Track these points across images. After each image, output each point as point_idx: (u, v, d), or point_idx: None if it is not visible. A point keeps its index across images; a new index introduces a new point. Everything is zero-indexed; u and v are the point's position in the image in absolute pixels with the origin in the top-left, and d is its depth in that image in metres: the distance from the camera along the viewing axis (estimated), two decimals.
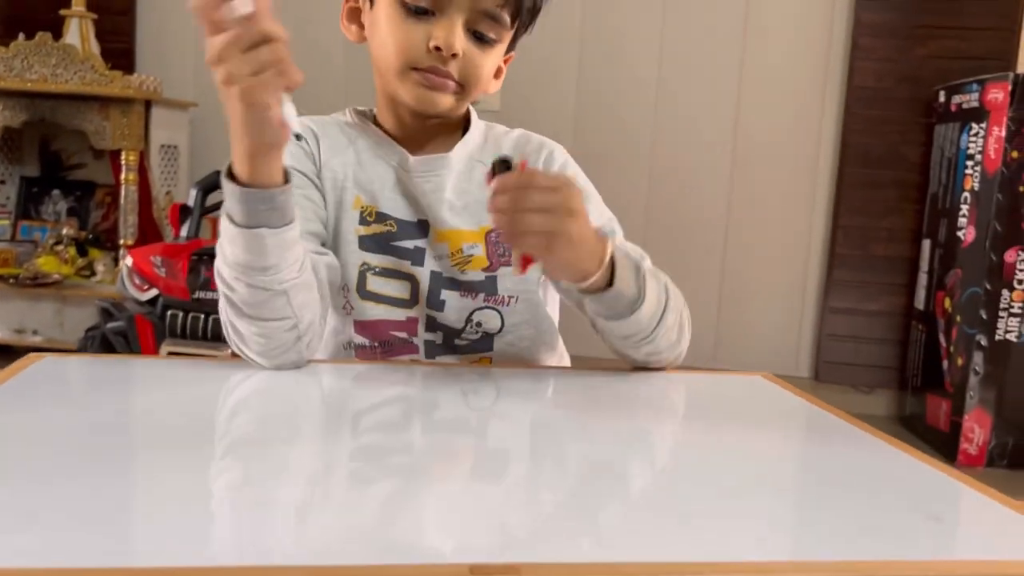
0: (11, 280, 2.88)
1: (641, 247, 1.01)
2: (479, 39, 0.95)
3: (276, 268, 0.84)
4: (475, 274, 1.02)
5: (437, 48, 0.92)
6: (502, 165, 0.81)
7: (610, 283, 0.89)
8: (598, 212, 1.05)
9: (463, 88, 0.97)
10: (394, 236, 1.01)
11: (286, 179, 0.83)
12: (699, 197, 3.24)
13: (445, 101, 0.96)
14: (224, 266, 0.85)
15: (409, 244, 1.02)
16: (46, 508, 0.53)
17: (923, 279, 3.04)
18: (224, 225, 0.83)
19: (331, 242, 1.02)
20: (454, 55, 0.93)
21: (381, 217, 1.02)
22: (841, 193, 3.20)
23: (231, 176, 0.82)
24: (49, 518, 0.52)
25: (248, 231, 0.81)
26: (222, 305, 0.88)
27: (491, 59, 0.98)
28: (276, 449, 0.69)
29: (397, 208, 1.02)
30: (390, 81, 0.97)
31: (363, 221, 1.01)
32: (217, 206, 2.47)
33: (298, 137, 0.80)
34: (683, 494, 0.65)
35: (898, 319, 3.20)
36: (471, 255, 1.02)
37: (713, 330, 3.22)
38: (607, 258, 0.88)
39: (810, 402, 0.92)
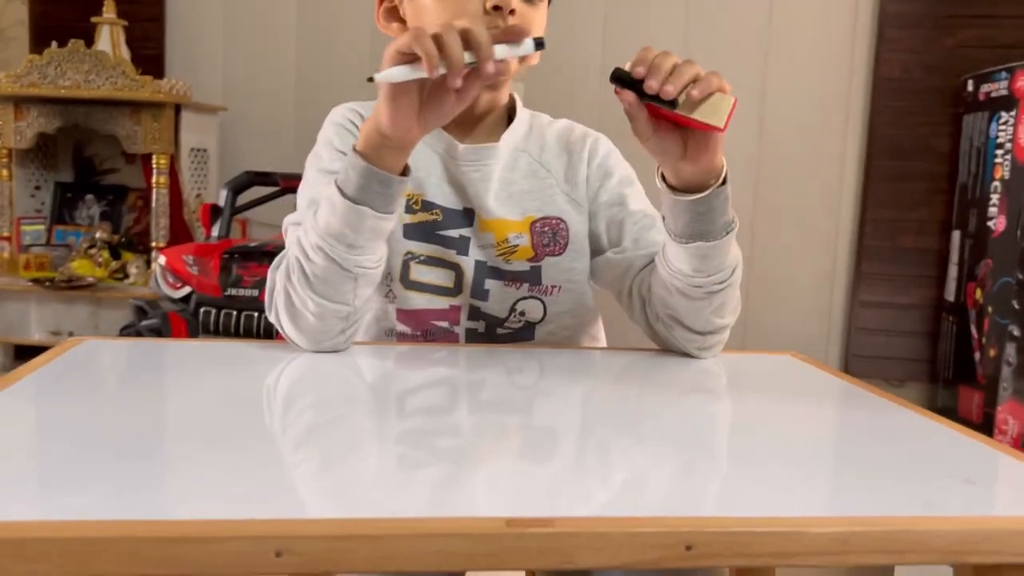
0: (47, 283, 2.93)
1: None
2: None
3: (361, 250, 0.86)
4: (520, 264, 1.03)
5: (496, 8, 0.93)
6: (619, 81, 0.81)
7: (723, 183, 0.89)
8: (641, 200, 1.06)
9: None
10: (439, 225, 1.02)
11: (404, 174, 0.86)
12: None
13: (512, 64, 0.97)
14: (312, 233, 0.87)
15: (454, 233, 1.02)
16: (95, 471, 0.55)
17: (953, 270, 3.01)
18: (331, 195, 0.85)
19: None
20: (512, 11, 0.93)
21: (427, 206, 1.02)
22: (869, 185, 3.18)
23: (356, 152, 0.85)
24: (97, 481, 0.54)
25: (354, 206, 0.84)
26: (286, 274, 0.89)
27: (541, 15, 0.99)
28: (322, 420, 0.71)
29: (443, 196, 1.03)
30: None
31: (409, 210, 1.02)
32: (246, 206, 2.51)
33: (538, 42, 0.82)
34: (720, 457, 0.66)
35: (929, 311, 3.17)
36: (517, 245, 1.02)
37: (741, 324, 3.20)
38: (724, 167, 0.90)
39: (840, 377, 0.92)
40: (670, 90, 0.79)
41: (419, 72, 0.76)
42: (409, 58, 0.77)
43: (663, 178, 0.90)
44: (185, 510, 0.50)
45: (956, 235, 2.99)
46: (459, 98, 0.80)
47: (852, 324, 3.24)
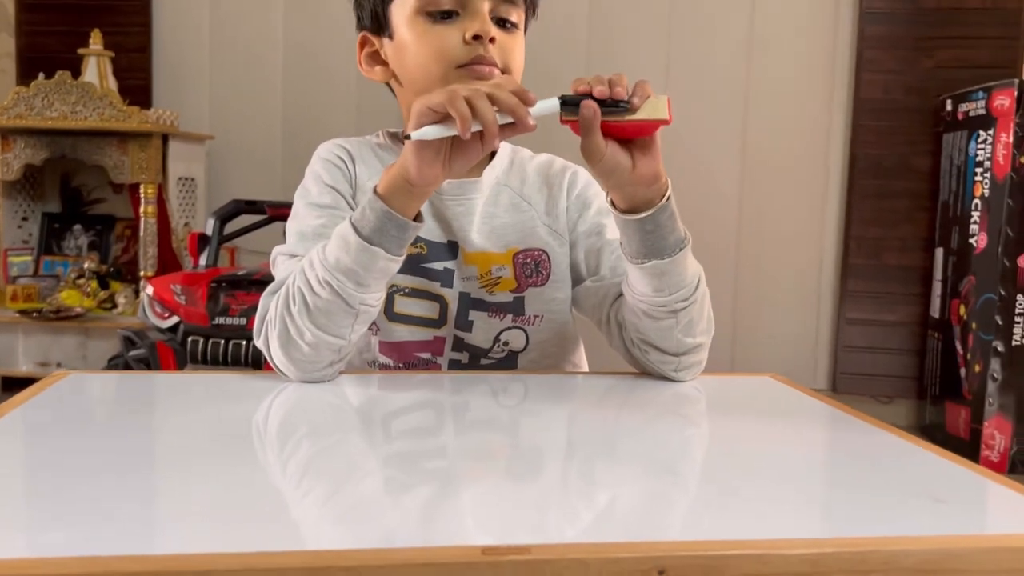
0: (35, 314, 2.93)
1: None
2: (503, 25, 0.99)
3: (368, 288, 0.88)
4: (503, 295, 1.04)
5: (475, 37, 0.95)
6: (567, 105, 0.84)
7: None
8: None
9: (506, 72, 0.99)
10: (424, 258, 1.03)
11: (417, 219, 0.89)
12: (709, 213, 3.26)
13: None
14: (320, 267, 0.88)
15: (439, 266, 1.03)
16: (75, 506, 0.56)
17: (937, 287, 3.04)
18: (345, 233, 0.87)
19: None
20: (492, 39, 0.96)
21: (415, 240, 1.04)
22: (852, 204, 3.21)
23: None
24: (77, 516, 0.54)
25: (368, 246, 0.86)
26: (285, 303, 0.90)
27: (519, 42, 1.01)
28: (308, 450, 0.72)
29: (428, 230, 1.03)
30: (433, 83, 0.97)
31: None
32: (234, 235, 2.51)
33: (561, 99, 0.84)
34: (693, 480, 0.67)
35: (914, 328, 3.20)
36: (500, 276, 1.04)
37: (728, 344, 3.23)
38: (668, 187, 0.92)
39: (818, 399, 0.93)
40: (620, 91, 0.83)
41: (452, 131, 0.81)
42: (440, 116, 0.81)
43: (612, 204, 0.92)
44: (170, 544, 0.51)
45: (939, 252, 3.03)
46: (486, 146, 0.84)
47: (839, 342, 3.27)
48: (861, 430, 0.82)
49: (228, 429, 0.78)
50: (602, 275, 1.06)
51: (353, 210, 1.03)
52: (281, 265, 0.99)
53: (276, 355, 0.91)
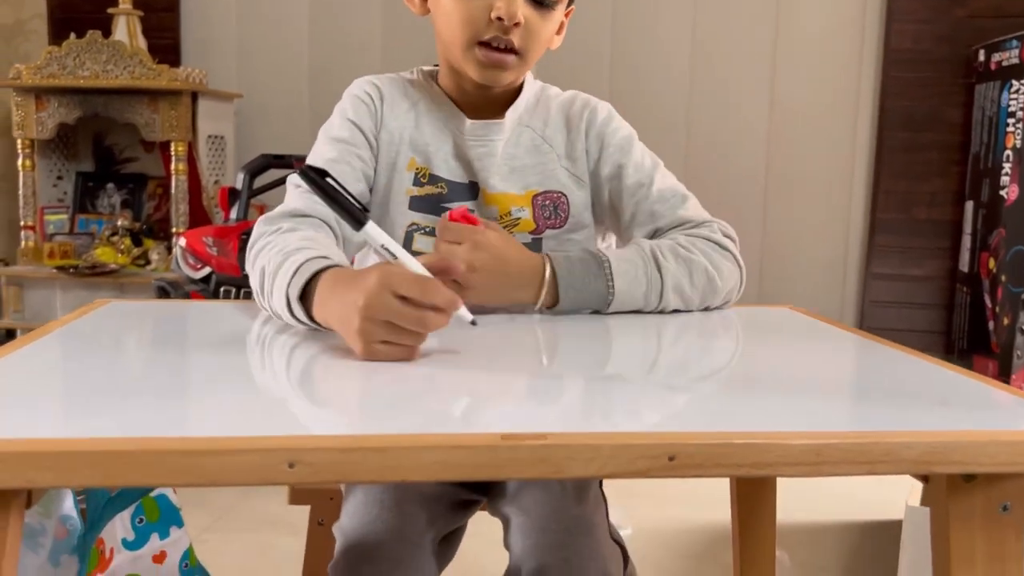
0: (71, 270, 3.00)
1: None
2: (539, 3, 0.98)
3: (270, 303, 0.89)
4: (522, 236, 1.06)
5: (499, 18, 0.96)
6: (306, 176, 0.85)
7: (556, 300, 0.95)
8: (639, 170, 1.07)
9: (523, 56, 1.00)
10: (444, 198, 1.06)
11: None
12: (736, 167, 3.25)
13: (507, 76, 1.01)
14: (258, 282, 0.90)
15: (458, 206, 1.06)
16: (120, 401, 0.59)
17: (967, 241, 3.01)
18: (279, 294, 0.84)
19: (379, 201, 1.07)
20: (516, 24, 0.96)
21: (433, 179, 1.06)
22: (881, 158, 3.18)
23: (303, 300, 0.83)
24: (122, 408, 0.58)
25: (290, 320, 0.85)
26: (252, 257, 0.94)
27: (551, 23, 1.01)
28: (330, 352, 0.75)
29: (449, 170, 1.06)
30: (454, 54, 1.01)
31: (416, 182, 1.06)
32: (264, 188, 2.55)
33: (473, 323, 0.82)
34: (706, 382, 0.70)
35: (942, 283, 3.18)
36: (519, 218, 1.06)
37: (754, 299, 3.23)
38: (544, 280, 0.94)
39: (835, 325, 0.95)
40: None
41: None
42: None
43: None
44: (204, 428, 0.54)
45: (969, 205, 3.00)
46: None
47: (866, 298, 3.25)
48: (876, 349, 0.84)
49: (256, 340, 0.82)
50: (623, 223, 1.07)
51: (373, 149, 1.06)
52: (290, 195, 1.02)
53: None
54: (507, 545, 0.92)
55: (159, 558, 0.82)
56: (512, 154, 1.07)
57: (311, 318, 0.81)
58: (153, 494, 0.84)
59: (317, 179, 0.84)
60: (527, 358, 0.80)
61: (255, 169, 2.43)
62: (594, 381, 0.70)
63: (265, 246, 0.92)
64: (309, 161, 1.05)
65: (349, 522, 0.93)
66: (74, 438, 0.51)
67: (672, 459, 0.53)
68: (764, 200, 3.26)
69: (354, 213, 0.84)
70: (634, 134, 1.10)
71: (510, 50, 0.98)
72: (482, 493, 1.02)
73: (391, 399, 0.64)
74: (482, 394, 0.66)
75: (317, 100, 3.33)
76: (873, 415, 0.62)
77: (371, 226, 0.84)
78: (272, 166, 2.47)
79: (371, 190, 1.07)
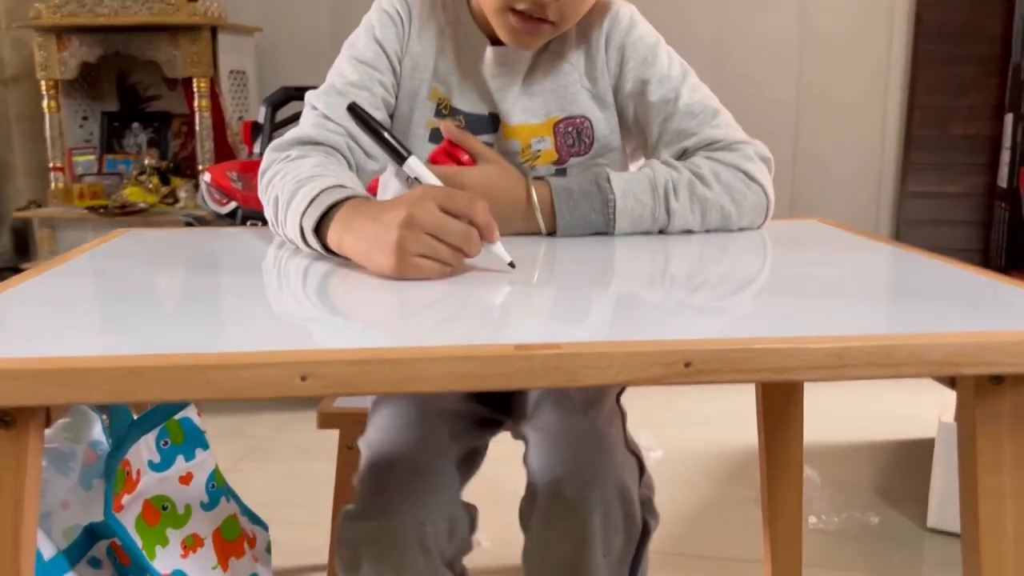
0: (101, 210, 3.03)
1: None
2: None
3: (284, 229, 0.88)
4: (545, 168, 1.01)
5: None
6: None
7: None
8: (663, 83, 1.01)
9: (559, 25, 0.94)
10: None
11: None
12: (767, 83, 3.16)
13: (539, 42, 0.97)
14: (272, 212, 0.89)
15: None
16: (136, 320, 0.60)
17: (1006, 155, 2.93)
18: (293, 222, 0.83)
19: (398, 131, 1.02)
20: None
21: (453, 112, 1.02)
22: (917, 71, 3.08)
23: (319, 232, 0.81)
24: (138, 327, 0.58)
25: (304, 249, 0.84)
26: (265, 186, 0.93)
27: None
28: (340, 272, 0.75)
29: (469, 102, 1.02)
30: (487, 7, 0.95)
31: (438, 113, 1.02)
32: (286, 122, 2.54)
33: (512, 265, 0.76)
34: (723, 289, 0.69)
35: (980, 199, 3.11)
36: (539, 151, 1.01)
37: (786, 217, 3.18)
38: (533, 205, 0.92)
39: (865, 235, 0.93)
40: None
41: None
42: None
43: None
44: (218, 344, 0.54)
45: (1009, 119, 2.91)
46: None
47: (901, 216, 3.19)
48: (905, 257, 0.82)
49: (272, 261, 0.82)
50: (650, 144, 1.02)
51: (396, 74, 1.02)
52: (305, 118, 0.99)
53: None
54: (526, 464, 0.93)
55: (185, 479, 0.84)
56: (531, 79, 1.02)
57: (325, 247, 0.80)
58: (177, 417, 0.85)
59: (360, 111, 0.84)
60: (540, 274, 0.79)
61: (276, 102, 2.41)
62: (609, 294, 0.70)
63: (276, 174, 0.90)
64: (329, 77, 1.02)
65: (375, 434, 0.94)
66: (89, 355, 0.51)
67: (688, 365, 0.52)
68: (795, 117, 3.18)
69: (396, 148, 0.84)
70: (660, 41, 1.03)
71: (541, 20, 0.92)
72: (504, 414, 1.02)
73: (403, 313, 0.64)
74: (494, 308, 0.65)
75: (338, 32, 3.28)
76: (898, 318, 0.61)
77: (414, 160, 0.83)
78: (293, 98, 2.45)
79: (392, 117, 1.04)
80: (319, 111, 0.97)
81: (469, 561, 0.95)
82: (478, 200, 0.74)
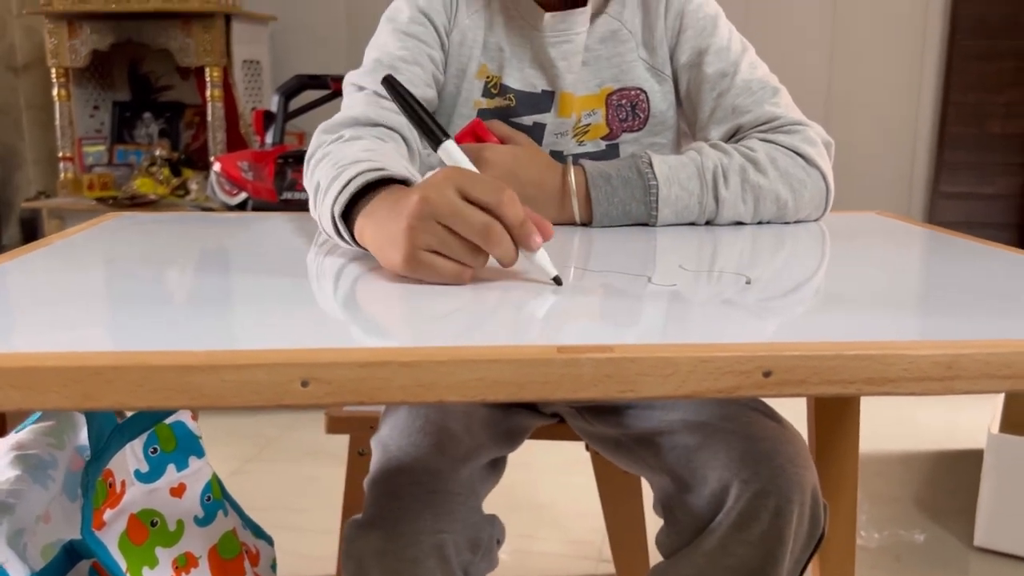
0: (111, 201, 2.96)
1: None
2: None
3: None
4: (594, 144, 0.95)
5: None
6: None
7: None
8: (720, 56, 0.94)
9: None
10: (512, 111, 0.95)
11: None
12: (796, 78, 3.06)
13: None
14: (312, 201, 0.78)
15: (528, 120, 0.95)
16: (110, 311, 0.51)
17: None
18: (326, 211, 0.72)
19: (444, 111, 0.95)
20: None
21: (504, 90, 0.95)
22: (952, 67, 2.98)
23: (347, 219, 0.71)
24: (111, 318, 0.50)
25: (339, 243, 0.74)
26: (310, 169, 0.82)
27: None
28: (357, 263, 0.66)
29: (522, 79, 0.95)
30: None
31: (487, 93, 0.95)
32: (299, 111, 2.46)
33: (558, 281, 0.62)
34: (803, 289, 0.60)
35: (1016, 201, 3.00)
36: (588, 124, 0.94)
37: None
38: (570, 190, 0.85)
39: (931, 229, 0.84)
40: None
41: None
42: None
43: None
44: (201, 342, 0.46)
45: None
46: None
47: (932, 218, 3.09)
48: (981, 251, 0.73)
49: (268, 251, 0.74)
50: (701, 121, 0.94)
51: (444, 49, 0.93)
52: (348, 98, 0.91)
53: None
54: (649, 467, 0.84)
55: (177, 491, 0.76)
56: (587, 45, 0.94)
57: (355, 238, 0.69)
58: (168, 421, 0.76)
59: (397, 85, 0.71)
60: (582, 268, 0.70)
61: (289, 91, 2.34)
62: (658, 292, 0.60)
63: (323, 158, 0.80)
64: (370, 51, 0.94)
65: (390, 433, 0.85)
66: (46, 352, 0.43)
67: (768, 375, 0.43)
68: (825, 113, 3.08)
69: (433, 129, 0.70)
70: (720, 12, 0.95)
71: None
72: (544, 414, 0.93)
73: (424, 311, 0.55)
74: (533, 305, 0.56)
75: (354, 22, 3.21)
76: (1005, 321, 0.51)
77: (451, 145, 0.69)
78: (307, 86, 2.37)
79: (438, 96, 0.95)
80: (369, 90, 0.88)
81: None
82: (507, 190, 0.60)
